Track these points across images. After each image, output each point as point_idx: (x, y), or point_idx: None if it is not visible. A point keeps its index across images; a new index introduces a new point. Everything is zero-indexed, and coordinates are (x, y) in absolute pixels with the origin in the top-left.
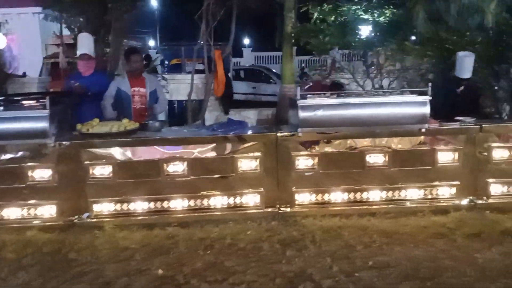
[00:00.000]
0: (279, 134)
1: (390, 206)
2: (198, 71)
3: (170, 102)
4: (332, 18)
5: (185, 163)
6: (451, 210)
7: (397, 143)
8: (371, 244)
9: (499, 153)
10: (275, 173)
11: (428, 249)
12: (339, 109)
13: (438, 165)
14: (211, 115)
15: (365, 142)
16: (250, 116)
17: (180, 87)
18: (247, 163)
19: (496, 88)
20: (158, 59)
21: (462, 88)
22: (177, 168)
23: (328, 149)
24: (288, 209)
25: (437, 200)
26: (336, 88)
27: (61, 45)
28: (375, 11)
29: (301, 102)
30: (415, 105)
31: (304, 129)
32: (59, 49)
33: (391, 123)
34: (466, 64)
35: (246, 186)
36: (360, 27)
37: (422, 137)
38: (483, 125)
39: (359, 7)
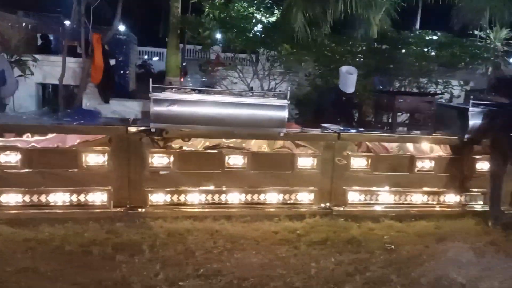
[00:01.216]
0: (129, 128)
1: (247, 209)
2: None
3: (43, 86)
4: (224, 14)
5: (18, 153)
6: (307, 216)
7: (257, 146)
8: (212, 249)
9: (357, 162)
10: (126, 170)
11: (267, 256)
12: (195, 106)
13: (297, 170)
14: (91, 103)
15: (225, 142)
16: (135, 107)
17: (55, 70)
18: (94, 158)
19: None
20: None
21: (344, 99)
22: (9, 158)
23: (186, 147)
24: (140, 210)
25: (295, 205)
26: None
27: None
28: (265, 10)
29: (154, 95)
30: (274, 108)
31: (156, 124)
32: None
33: (249, 125)
34: (349, 81)
35: (92, 183)
36: (244, 25)
37: (283, 141)
38: (341, 133)
39: (249, 4)
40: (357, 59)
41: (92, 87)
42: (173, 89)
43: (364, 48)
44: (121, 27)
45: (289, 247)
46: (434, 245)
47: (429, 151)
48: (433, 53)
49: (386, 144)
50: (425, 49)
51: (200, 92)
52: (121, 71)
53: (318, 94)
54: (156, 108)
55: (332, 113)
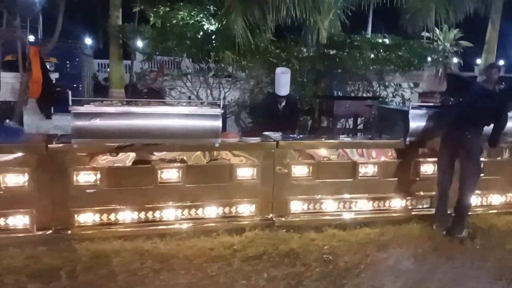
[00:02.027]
0: (50, 145)
1: (183, 226)
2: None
3: None
4: (167, 23)
5: None
6: (247, 229)
7: (192, 158)
8: (137, 272)
9: (298, 170)
10: (50, 190)
11: (196, 275)
12: (121, 119)
13: (237, 181)
14: (31, 119)
15: (157, 156)
16: None
17: None
18: (13, 178)
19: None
20: None
21: (283, 103)
22: None
23: (114, 163)
24: (66, 232)
25: (235, 218)
26: (152, 96)
27: None
28: (211, 17)
29: (74, 109)
30: (207, 118)
31: (79, 140)
32: None
33: (181, 136)
34: (282, 81)
35: (12, 205)
36: (184, 33)
37: (221, 152)
38: (279, 141)
39: (190, 11)
40: (305, 65)
41: (33, 102)
42: (96, 102)
43: (311, 53)
44: (88, 40)
45: (223, 264)
46: (375, 253)
47: (372, 156)
48: (380, 56)
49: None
50: (371, 53)
51: (128, 104)
52: (73, 84)
53: (260, 101)
54: (77, 123)
55: (273, 119)
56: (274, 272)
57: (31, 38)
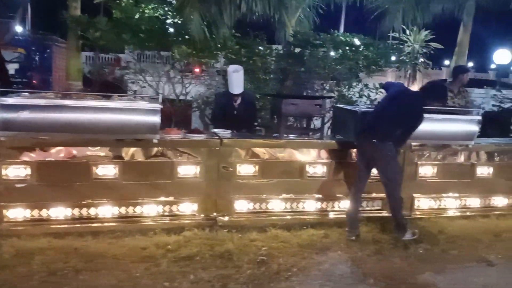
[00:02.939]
0: None
1: (119, 223)
2: None
3: None
4: (129, 15)
5: None
6: (186, 229)
7: (130, 154)
8: (57, 271)
9: (244, 169)
10: None
11: (119, 276)
12: (51, 112)
13: (178, 179)
14: None
15: (92, 151)
16: None
17: None
18: None
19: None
20: None
21: (239, 101)
22: None
23: (45, 157)
24: None
25: (176, 217)
26: (106, 90)
27: None
28: (172, 12)
29: (1, 101)
30: (145, 113)
31: (6, 133)
32: None
33: (115, 131)
34: (234, 79)
35: None
36: (139, 26)
37: (164, 148)
38: (223, 139)
39: (156, 6)
40: (267, 62)
41: None
42: (26, 93)
43: (276, 51)
44: None
45: (150, 264)
46: (312, 256)
47: (322, 156)
48: (345, 56)
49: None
50: (335, 52)
51: (62, 96)
52: (42, 76)
53: (215, 99)
54: (4, 115)
55: (229, 118)
56: (202, 274)
57: None
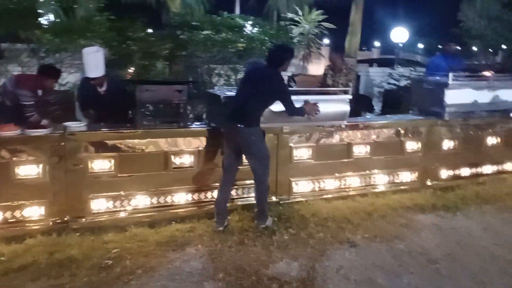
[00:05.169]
0: None
1: None
2: None
3: None
4: None
5: None
6: (30, 235)
7: None
8: None
9: (98, 164)
10: None
11: None
12: None
13: (18, 181)
14: None
15: None
16: None
17: None
18: None
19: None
20: None
21: (104, 88)
22: None
23: None
24: None
25: (20, 223)
26: None
27: None
28: None
29: None
30: None
31: None
32: None
33: None
34: (90, 62)
35: None
36: None
37: None
38: (67, 133)
39: None
40: (147, 47)
41: None
42: None
43: (157, 34)
44: None
45: None
46: (167, 254)
47: (189, 144)
48: (226, 38)
49: None
50: (214, 34)
51: None
52: None
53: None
54: None
55: (96, 106)
56: (30, 286)
57: None
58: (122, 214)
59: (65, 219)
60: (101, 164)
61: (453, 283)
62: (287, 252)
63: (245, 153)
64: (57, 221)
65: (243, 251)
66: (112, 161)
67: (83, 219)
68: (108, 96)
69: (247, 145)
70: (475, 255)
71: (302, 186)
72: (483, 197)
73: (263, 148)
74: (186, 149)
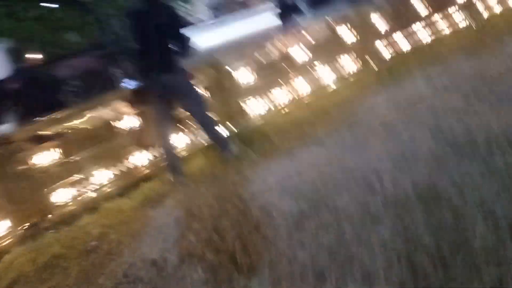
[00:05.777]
0: None
1: None
2: None
3: None
4: None
5: None
6: (13, 248)
7: None
8: None
9: (42, 158)
10: None
11: None
12: None
13: None
14: None
15: None
16: None
17: None
18: None
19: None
20: None
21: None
22: None
23: None
24: None
25: None
26: None
27: None
28: None
29: None
30: None
31: None
32: None
33: None
34: None
35: None
36: None
37: None
38: None
39: None
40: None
41: None
42: None
43: None
44: None
45: None
46: (148, 213)
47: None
48: None
49: None
50: None
51: None
52: None
53: None
54: None
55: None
56: None
57: None
58: (88, 195)
59: (33, 222)
60: (46, 156)
61: None
62: (261, 169)
63: (179, 99)
64: (26, 228)
65: (220, 183)
66: (57, 149)
67: (50, 215)
68: (30, 90)
69: (179, 90)
70: None
71: (254, 107)
72: None
73: (194, 92)
74: (127, 111)
